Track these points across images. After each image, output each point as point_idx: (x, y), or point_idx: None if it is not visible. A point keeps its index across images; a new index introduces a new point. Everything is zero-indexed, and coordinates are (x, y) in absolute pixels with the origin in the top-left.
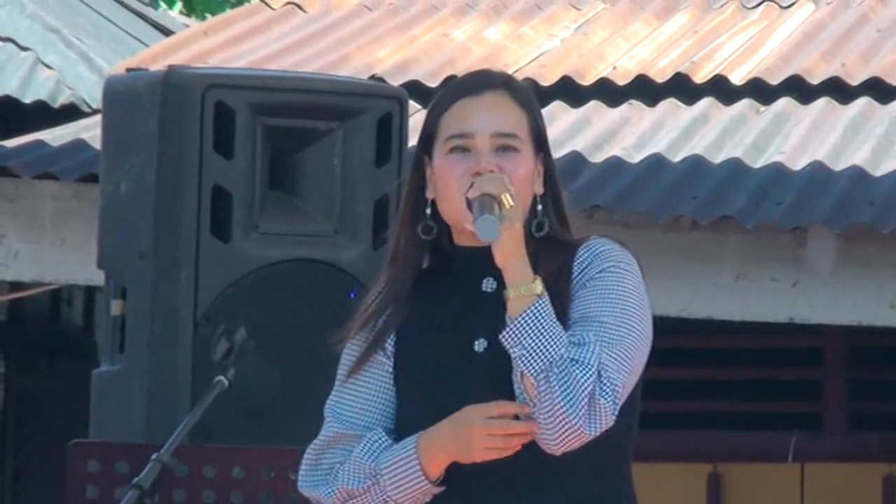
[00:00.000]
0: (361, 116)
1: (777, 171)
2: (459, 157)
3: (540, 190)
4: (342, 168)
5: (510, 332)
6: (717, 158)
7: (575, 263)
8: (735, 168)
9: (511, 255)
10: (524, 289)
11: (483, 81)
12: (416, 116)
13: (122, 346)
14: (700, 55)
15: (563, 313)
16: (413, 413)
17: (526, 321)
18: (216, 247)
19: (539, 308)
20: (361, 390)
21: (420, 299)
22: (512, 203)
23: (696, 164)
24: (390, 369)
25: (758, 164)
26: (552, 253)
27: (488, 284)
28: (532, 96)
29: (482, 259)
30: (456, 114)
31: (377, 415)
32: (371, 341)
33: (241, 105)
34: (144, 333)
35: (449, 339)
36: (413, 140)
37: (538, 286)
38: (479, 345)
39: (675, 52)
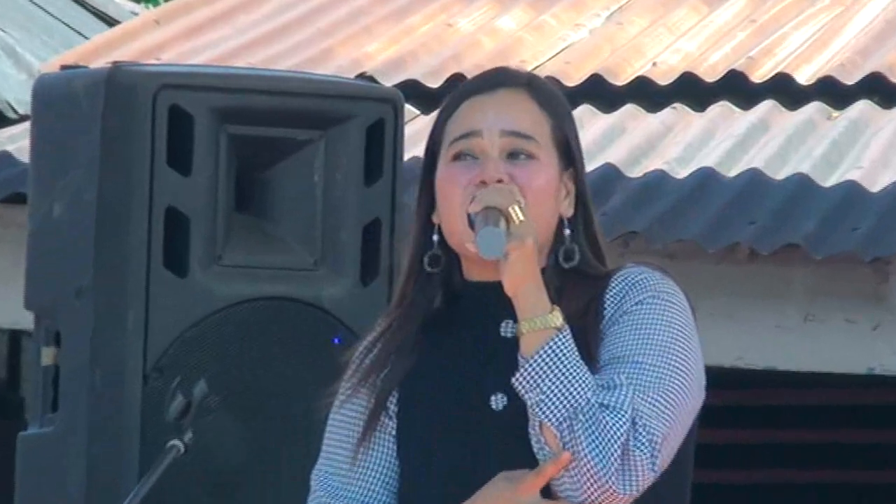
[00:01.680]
0: (347, 124)
1: (853, 191)
2: (465, 164)
3: (569, 212)
4: (324, 186)
5: (525, 375)
6: (780, 174)
7: (606, 296)
8: (802, 186)
9: (523, 279)
10: (540, 321)
11: (497, 78)
12: (414, 123)
13: (55, 403)
14: (759, 49)
15: (590, 356)
16: (420, 485)
17: (543, 360)
18: (170, 282)
19: (559, 344)
20: (358, 457)
21: (427, 348)
22: (522, 217)
23: (754, 182)
24: (393, 431)
25: (829, 182)
26: (580, 287)
27: (507, 328)
28: (561, 101)
29: (499, 297)
30: (462, 114)
31: (377, 486)
32: (373, 405)
33: (202, 110)
34: (83, 388)
35: (461, 395)
36: (410, 151)
37: (557, 317)
38: (498, 401)
39: (729, 45)
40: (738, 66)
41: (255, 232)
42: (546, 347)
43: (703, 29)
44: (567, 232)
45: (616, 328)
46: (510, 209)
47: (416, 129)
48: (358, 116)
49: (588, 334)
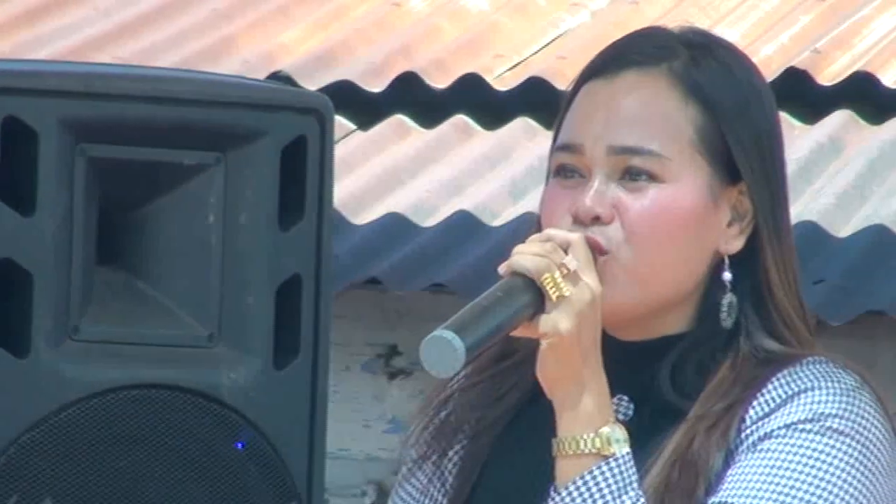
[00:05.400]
0: (255, 143)
1: None
2: (569, 183)
3: (732, 246)
4: (224, 231)
5: None
6: (859, 214)
7: (755, 403)
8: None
9: (560, 381)
10: (571, 442)
11: (630, 53)
12: (348, 142)
13: None
14: (829, 38)
15: (691, 497)
16: None
17: (573, 501)
18: (4, 364)
19: (598, 480)
20: None
21: (516, 434)
22: (565, 291)
23: (821, 226)
24: None
25: None
26: (733, 376)
27: (622, 407)
28: (737, 82)
29: (624, 362)
30: (575, 107)
31: None
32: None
33: (49, 124)
34: None
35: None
36: (342, 181)
37: (604, 438)
38: None
39: (787, 34)
40: (799, 62)
41: (125, 294)
42: (579, 482)
43: (750, 10)
44: (727, 276)
45: (744, 461)
46: (545, 278)
47: (351, 150)
48: (269, 133)
49: (701, 463)
